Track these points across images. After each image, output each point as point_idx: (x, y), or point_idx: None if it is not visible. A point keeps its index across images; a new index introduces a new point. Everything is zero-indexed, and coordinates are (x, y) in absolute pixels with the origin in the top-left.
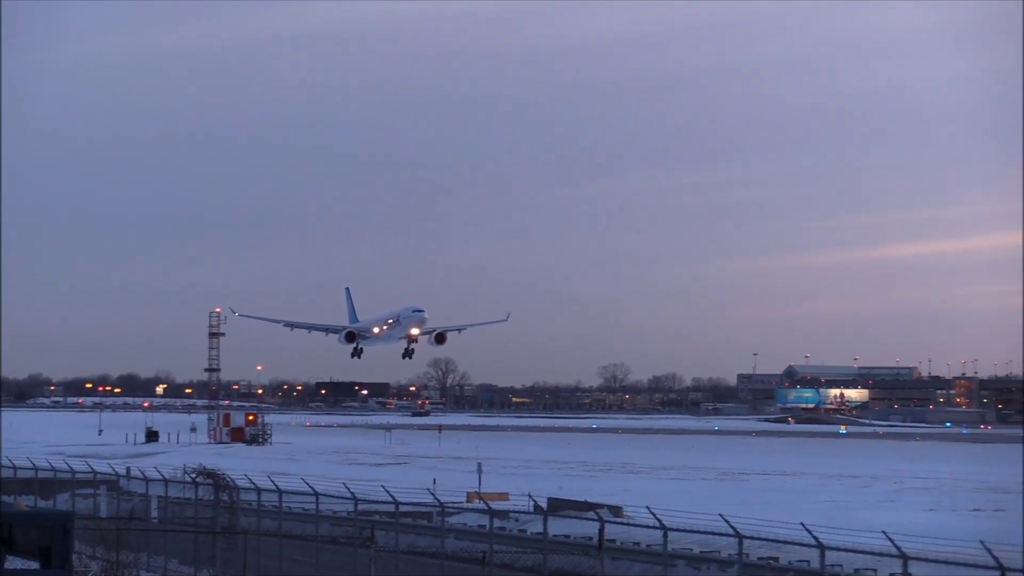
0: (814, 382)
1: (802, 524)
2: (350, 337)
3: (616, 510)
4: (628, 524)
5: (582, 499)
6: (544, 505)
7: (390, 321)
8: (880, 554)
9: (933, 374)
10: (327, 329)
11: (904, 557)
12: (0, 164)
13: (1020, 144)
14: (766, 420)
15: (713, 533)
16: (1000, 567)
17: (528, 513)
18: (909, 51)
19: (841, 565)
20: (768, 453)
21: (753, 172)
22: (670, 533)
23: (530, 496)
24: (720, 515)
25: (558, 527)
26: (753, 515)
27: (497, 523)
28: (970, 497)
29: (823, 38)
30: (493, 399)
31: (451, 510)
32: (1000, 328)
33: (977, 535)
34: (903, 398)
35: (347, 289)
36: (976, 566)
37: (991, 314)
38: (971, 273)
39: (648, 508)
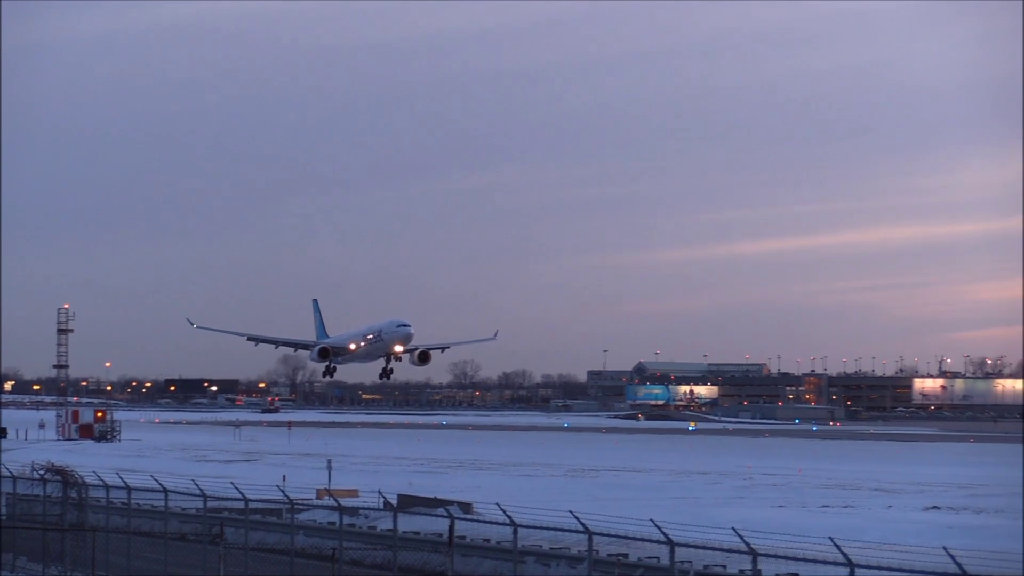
0: (664, 379)
1: (652, 520)
2: (323, 354)
3: (466, 507)
4: (478, 521)
5: (432, 496)
6: (394, 502)
7: (369, 337)
8: (730, 550)
9: (782, 371)
10: (296, 345)
11: (753, 553)
12: None
13: (866, 141)
14: (616, 417)
15: (563, 530)
16: (849, 563)
17: (378, 510)
18: (763, 47)
19: (691, 561)
20: (618, 449)
21: (604, 168)
22: (520, 530)
23: (380, 493)
24: (570, 511)
25: (408, 524)
26: (603, 511)
27: (347, 520)
28: (819, 493)
29: (674, 35)
30: (343, 396)
31: (301, 507)
32: (848, 325)
33: (827, 531)
34: (752, 395)
35: (315, 301)
36: (826, 562)
37: (839, 311)
38: (820, 270)
39: (498, 505)
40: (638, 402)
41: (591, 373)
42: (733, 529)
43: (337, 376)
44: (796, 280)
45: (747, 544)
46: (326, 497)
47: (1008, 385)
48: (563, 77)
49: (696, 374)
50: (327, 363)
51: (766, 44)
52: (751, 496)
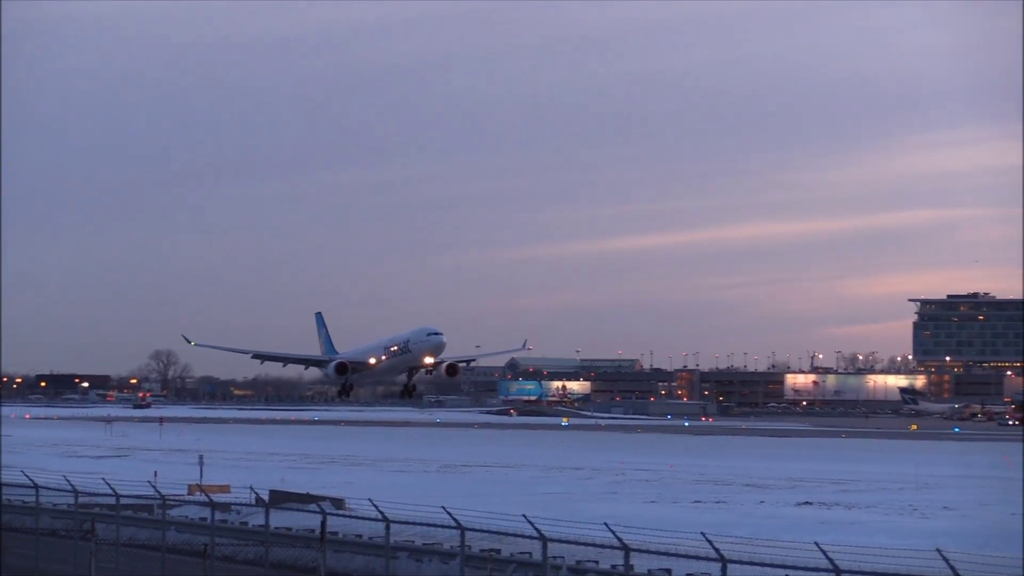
0: (536, 374)
1: (524, 516)
2: (341, 370)
3: (338, 502)
4: (350, 516)
5: (305, 492)
6: (266, 498)
7: (393, 348)
8: (602, 546)
9: (655, 366)
10: (307, 362)
11: (626, 549)
12: None
13: (738, 139)
14: (489, 412)
15: (436, 525)
16: (722, 559)
17: (250, 506)
18: (615, 45)
19: (563, 557)
20: (491, 445)
21: (471, 164)
22: (392, 525)
23: (252, 489)
24: (443, 507)
25: (280, 520)
26: (476, 507)
27: (219, 516)
28: (691, 489)
29: (525, 34)
30: (215, 391)
31: (172, 503)
32: (720, 321)
33: (698, 527)
34: (625, 390)
35: (318, 314)
36: (698, 558)
37: (712, 307)
38: (692, 266)
39: (371, 500)
40: (511, 398)
41: (464, 369)
42: (605, 525)
43: (208, 371)
44: (668, 276)
45: (619, 540)
46: (198, 493)
47: (879, 381)
48: (423, 79)
49: (568, 370)
50: (344, 379)
51: (638, 40)
52: (623, 492)
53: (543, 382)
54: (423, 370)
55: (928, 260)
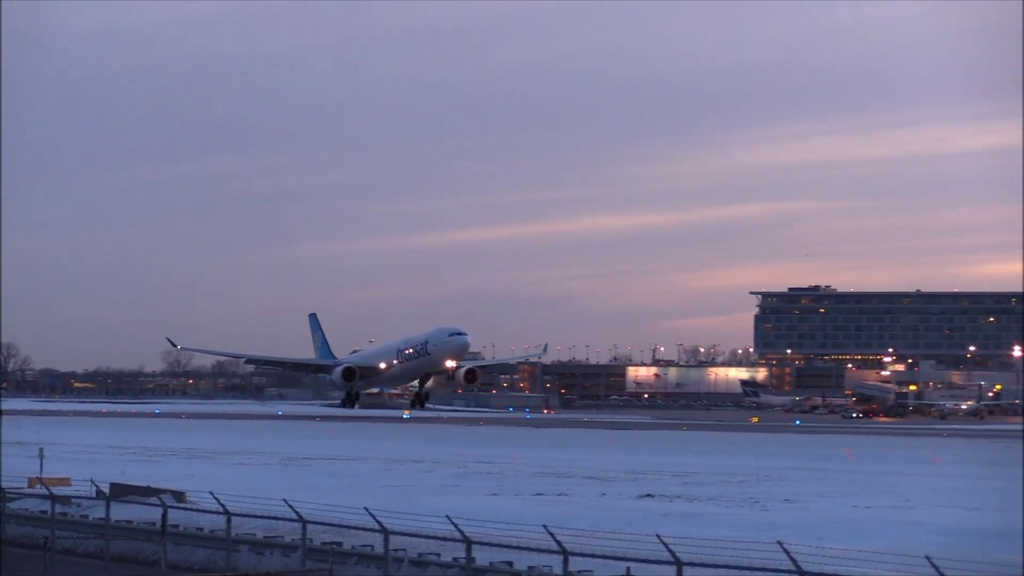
0: None
1: (366, 509)
2: (348, 375)
3: (179, 495)
4: (191, 509)
5: (145, 484)
6: (107, 490)
7: (408, 351)
8: (444, 538)
9: (497, 359)
10: (307, 367)
11: (468, 541)
12: None
13: (578, 131)
14: (330, 405)
15: (277, 518)
16: (563, 551)
17: (91, 498)
18: (470, 36)
19: (405, 550)
20: (332, 438)
21: (313, 158)
22: (234, 518)
23: (92, 481)
24: (284, 500)
25: (121, 512)
26: (318, 500)
27: (59, 509)
28: (533, 481)
29: (371, 27)
30: (55, 384)
31: (12, 495)
32: (562, 313)
33: (540, 519)
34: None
35: (313, 316)
36: (539, 550)
37: (553, 299)
38: (533, 258)
39: (211, 493)
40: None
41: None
42: (447, 517)
43: (48, 364)
44: (511, 268)
45: (461, 532)
46: (38, 486)
47: (721, 373)
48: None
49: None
50: (351, 386)
51: (492, 32)
52: (465, 484)
53: None
54: (444, 375)
55: (770, 253)
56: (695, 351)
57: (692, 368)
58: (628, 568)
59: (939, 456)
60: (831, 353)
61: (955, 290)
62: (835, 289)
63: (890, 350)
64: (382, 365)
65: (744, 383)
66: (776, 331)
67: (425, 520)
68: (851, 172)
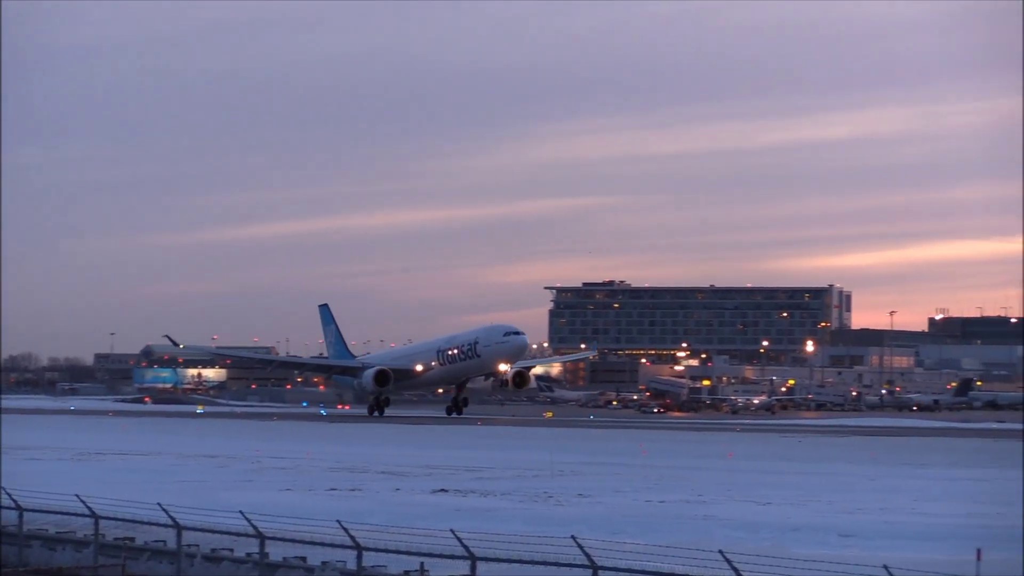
0: (172, 362)
1: (159, 504)
2: (382, 379)
3: None
4: None
5: None
6: None
7: (452, 352)
8: (238, 534)
9: (291, 353)
10: (332, 369)
11: (261, 536)
12: None
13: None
14: (123, 400)
15: (70, 514)
16: (357, 546)
17: None
18: (266, 31)
19: (198, 545)
20: (126, 433)
21: (106, 150)
22: (26, 514)
23: None
24: (76, 495)
25: None
26: (110, 495)
27: None
28: (327, 476)
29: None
30: None
31: None
32: (353, 308)
33: (334, 514)
34: (261, 377)
35: (324, 307)
36: (333, 545)
37: (345, 294)
38: (326, 253)
39: (3, 489)
40: (146, 385)
41: (98, 356)
42: (241, 513)
43: None
44: (304, 264)
45: (255, 527)
46: None
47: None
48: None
49: (205, 357)
50: (381, 393)
51: (277, 28)
52: (260, 480)
53: (178, 370)
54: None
55: (566, 248)
56: None
57: None
58: (422, 563)
59: (732, 451)
60: (625, 348)
61: (749, 285)
62: (629, 284)
63: (684, 345)
64: (418, 367)
65: (538, 378)
66: (571, 326)
67: (219, 516)
68: (648, 167)
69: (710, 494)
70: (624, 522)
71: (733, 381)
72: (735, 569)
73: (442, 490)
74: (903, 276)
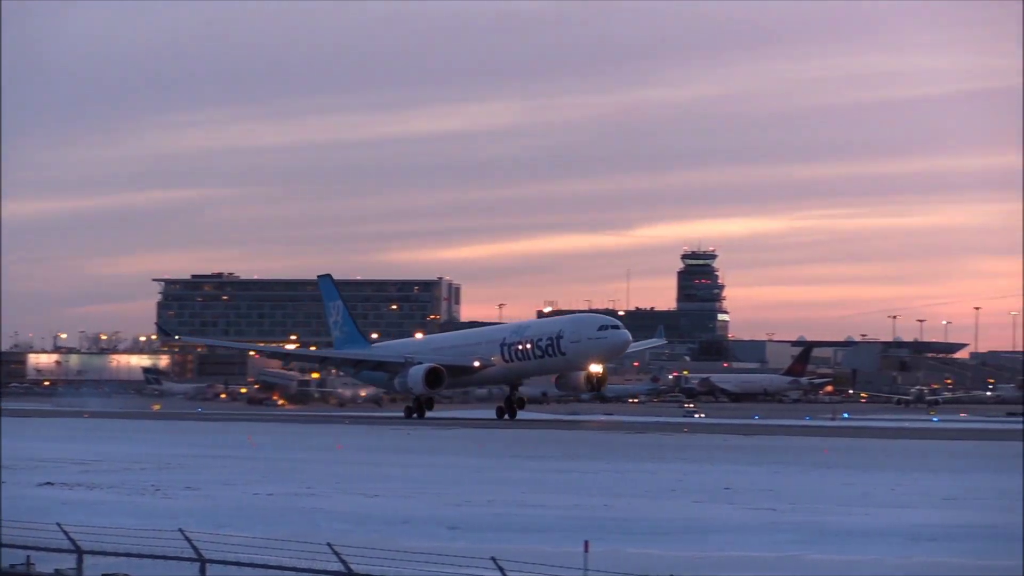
0: None
1: None
2: (434, 379)
3: None
4: None
5: None
6: None
7: (525, 346)
8: None
9: None
10: (355, 363)
11: None
12: None
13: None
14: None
15: None
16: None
17: None
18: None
19: None
20: None
21: None
22: None
23: None
24: None
25: None
26: None
27: None
28: None
29: None
30: None
31: None
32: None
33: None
34: None
35: (326, 278)
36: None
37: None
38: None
39: None
40: None
41: None
42: None
43: None
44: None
45: None
46: None
47: (123, 360)
48: None
49: None
50: (429, 394)
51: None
52: None
53: None
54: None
55: (177, 240)
56: (97, 338)
57: (94, 355)
58: (28, 556)
59: (341, 443)
60: (235, 340)
61: (359, 277)
62: (238, 276)
63: (293, 337)
64: (476, 363)
65: (146, 370)
66: (179, 318)
67: None
68: (261, 159)
69: (319, 486)
70: (232, 515)
71: (342, 374)
72: (343, 562)
73: (48, 483)
74: (512, 269)
